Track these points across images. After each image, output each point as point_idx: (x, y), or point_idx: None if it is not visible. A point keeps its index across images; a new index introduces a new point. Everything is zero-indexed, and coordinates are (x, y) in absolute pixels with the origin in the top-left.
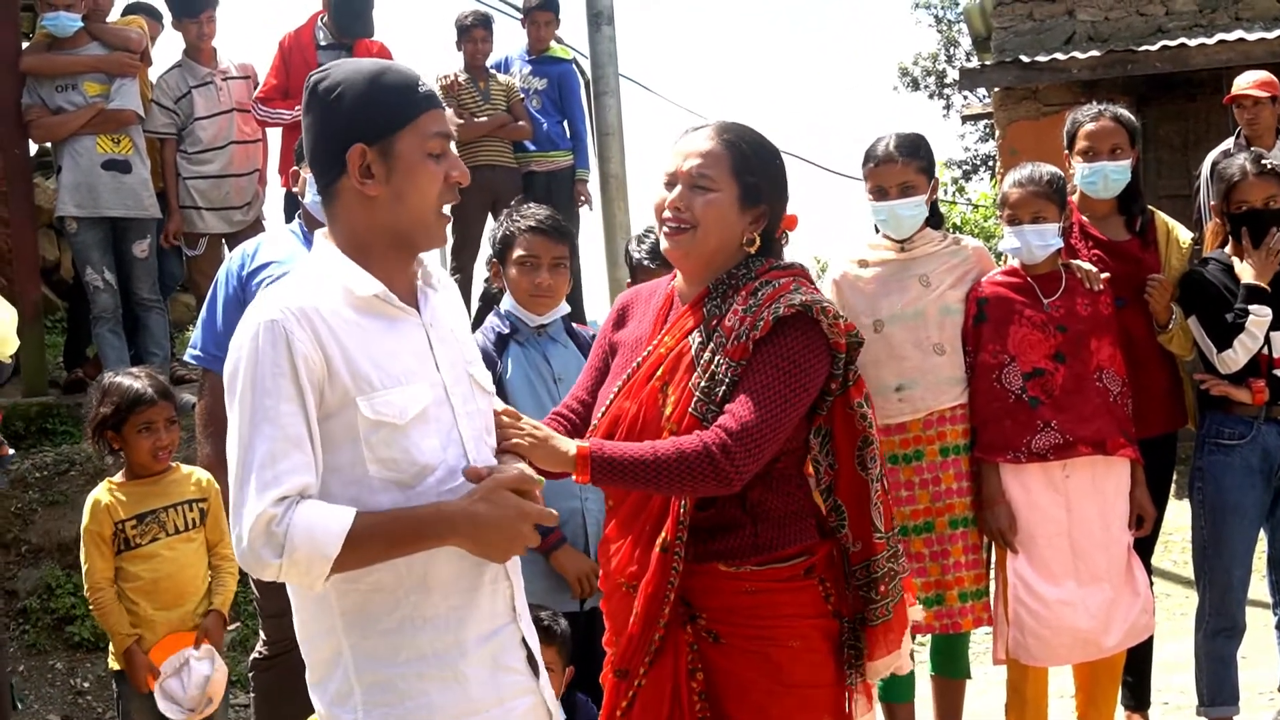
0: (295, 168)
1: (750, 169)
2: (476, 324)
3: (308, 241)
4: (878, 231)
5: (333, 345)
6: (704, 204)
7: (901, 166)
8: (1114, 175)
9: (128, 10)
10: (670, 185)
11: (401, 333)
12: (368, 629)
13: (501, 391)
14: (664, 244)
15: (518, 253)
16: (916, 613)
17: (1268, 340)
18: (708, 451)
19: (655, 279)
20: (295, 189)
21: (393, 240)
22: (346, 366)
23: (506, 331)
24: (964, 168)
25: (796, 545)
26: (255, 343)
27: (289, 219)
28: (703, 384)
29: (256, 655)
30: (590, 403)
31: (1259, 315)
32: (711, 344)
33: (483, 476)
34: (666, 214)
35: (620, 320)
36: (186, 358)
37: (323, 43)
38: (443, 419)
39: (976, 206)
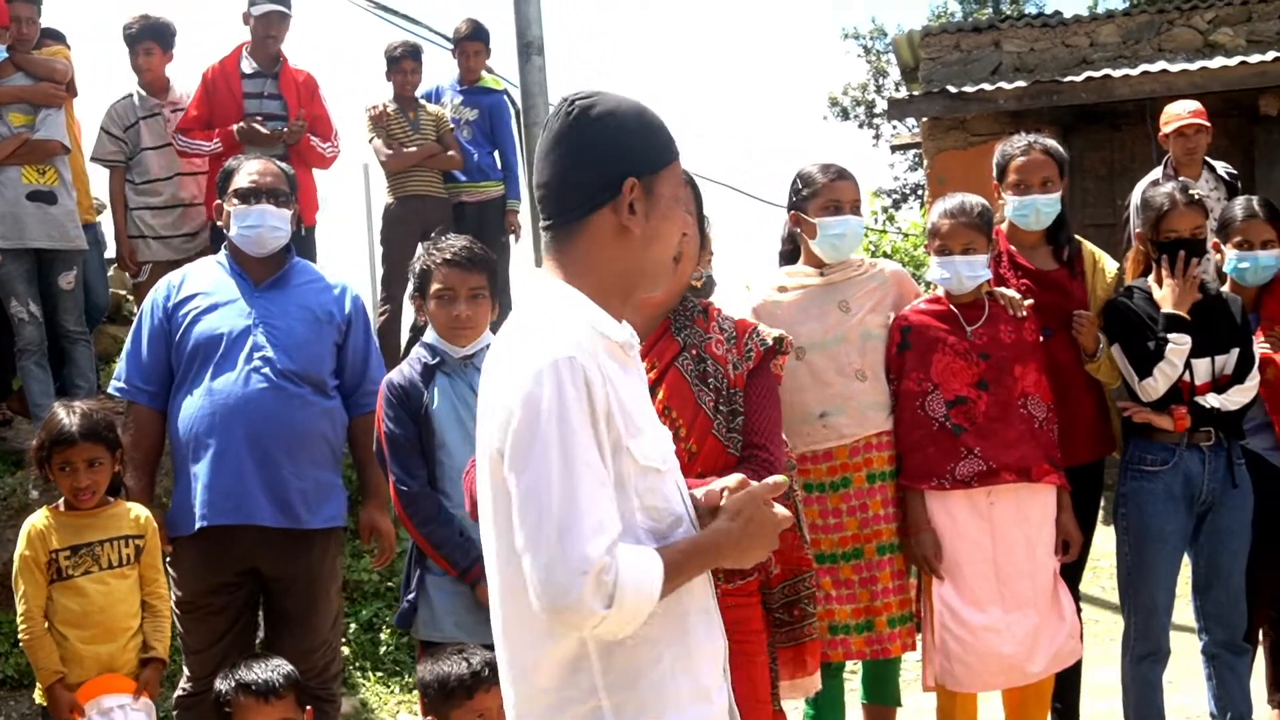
0: (219, 201)
1: (701, 208)
2: (405, 356)
3: (234, 273)
4: (787, 261)
5: (610, 386)
6: (687, 241)
7: (854, 185)
8: (1045, 208)
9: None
10: None
11: (635, 381)
12: (634, 683)
13: (428, 422)
14: None
15: (435, 286)
16: (811, 684)
17: (1189, 367)
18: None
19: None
20: (219, 222)
21: (630, 283)
22: (619, 409)
23: (433, 362)
24: (894, 196)
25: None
26: (557, 380)
27: (216, 250)
28: (719, 407)
29: (181, 692)
30: None
31: (1178, 344)
32: (709, 369)
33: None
34: None
35: None
36: (111, 390)
37: (247, 71)
38: (675, 468)
39: (906, 235)
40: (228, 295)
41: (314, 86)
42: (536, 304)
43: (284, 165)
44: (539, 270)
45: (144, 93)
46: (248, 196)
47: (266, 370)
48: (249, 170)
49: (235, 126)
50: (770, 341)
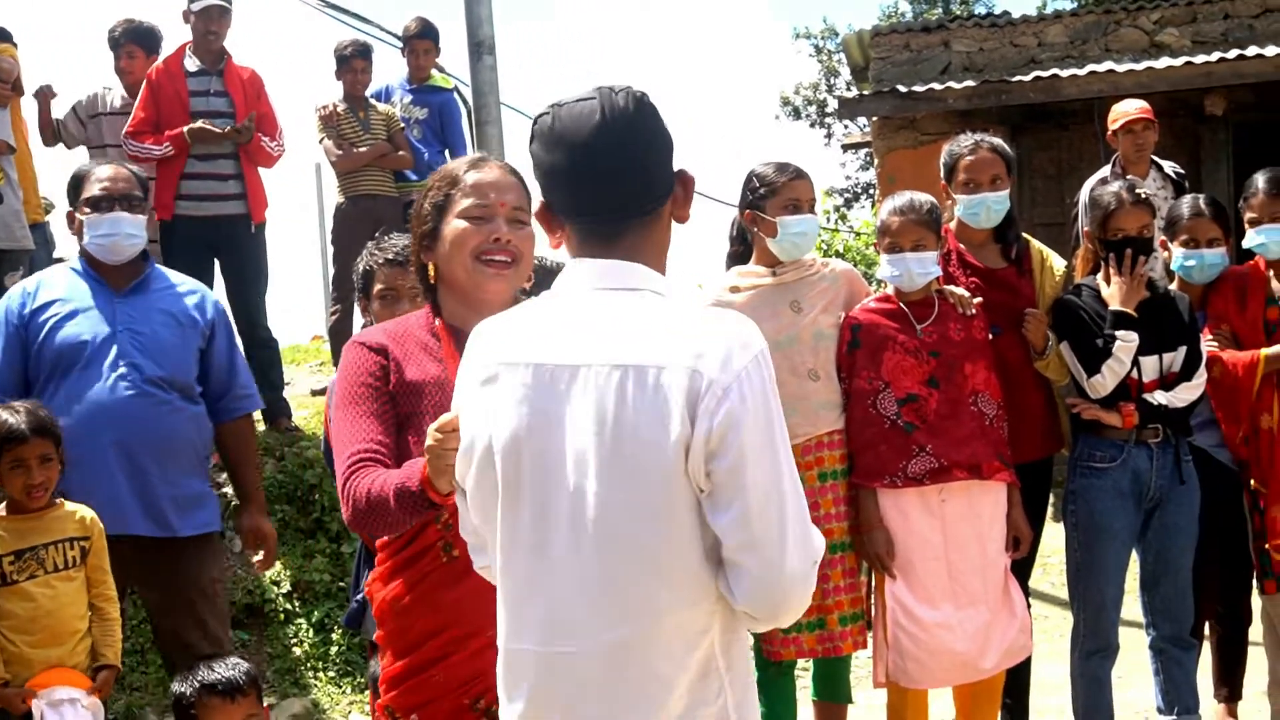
0: (70, 209)
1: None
2: None
3: (91, 279)
4: (736, 261)
5: None
6: (523, 238)
7: (811, 184)
8: (995, 205)
9: None
10: (487, 219)
11: None
12: (746, 684)
13: None
14: (489, 279)
15: (378, 286)
16: None
17: (1137, 364)
18: None
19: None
20: (71, 231)
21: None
22: None
23: None
24: (845, 196)
25: None
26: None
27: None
28: None
29: None
30: (392, 444)
31: (1125, 341)
32: None
33: None
34: (493, 248)
35: (397, 366)
36: None
37: (191, 69)
38: None
39: (858, 234)
40: (86, 302)
41: (259, 84)
42: (660, 289)
43: (136, 169)
44: (625, 261)
45: (125, 95)
46: (100, 204)
47: (134, 377)
48: (100, 177)
49: (185, 129)
50: None
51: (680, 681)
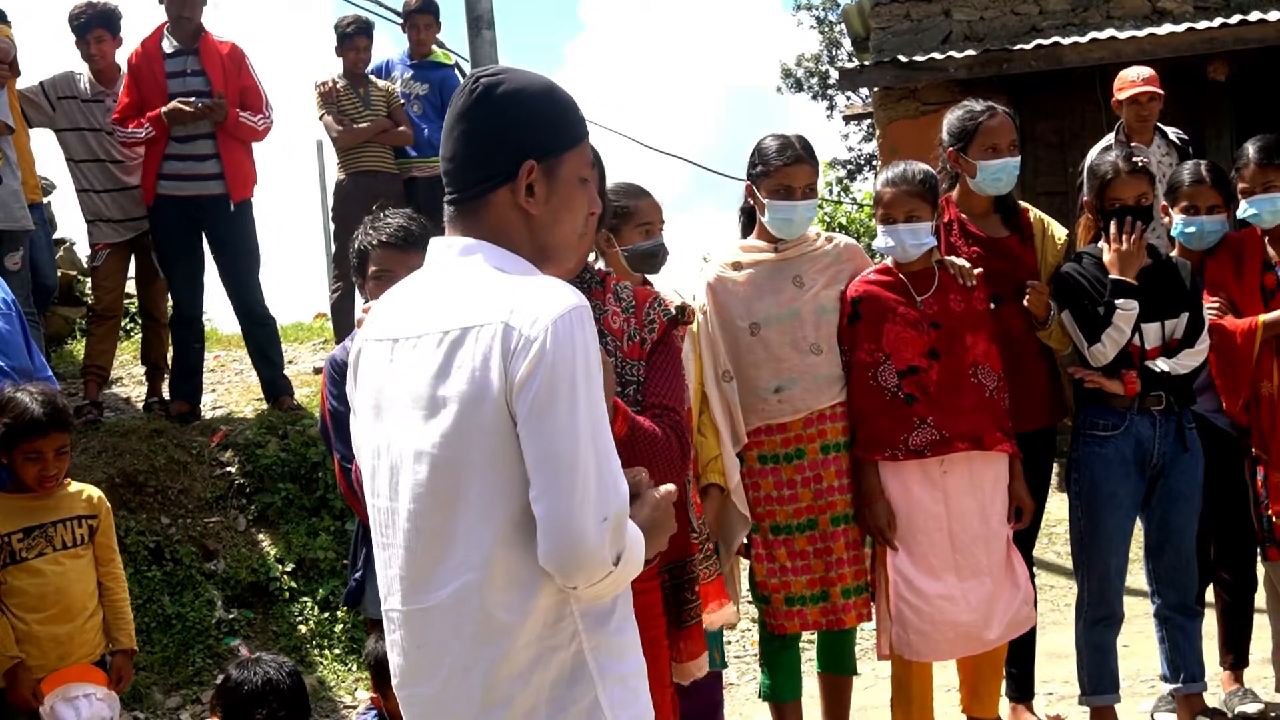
0: None
1: (604, 185)
2: None
3: None
4: (746, 235)
5: None
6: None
7: (810, 169)
8: (1015, 170)
9: None
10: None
11: None
12: (605, 626)
13: None
14: None
15: (372, 268)
16: (729, 614)
17: (1139, 332)
18: (680, 438)
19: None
20: None
21: (535, 259)
22: None
23: None
24: (848, 167)
25: None
26: (582, 323)
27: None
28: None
29: None
30: None
31: (1125, 309)
32: (606, 345)
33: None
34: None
35: None
36: None
37: (168, 50)
38: None
39: (861, 206)
40: None
41: (240, 57)
42: (492, 261)
43: None
44: (453, 239)
45: (94, 80)
46: None
47: None
48: None
49: (162, 110)
50: (673, 311)
51: (523, 628)
